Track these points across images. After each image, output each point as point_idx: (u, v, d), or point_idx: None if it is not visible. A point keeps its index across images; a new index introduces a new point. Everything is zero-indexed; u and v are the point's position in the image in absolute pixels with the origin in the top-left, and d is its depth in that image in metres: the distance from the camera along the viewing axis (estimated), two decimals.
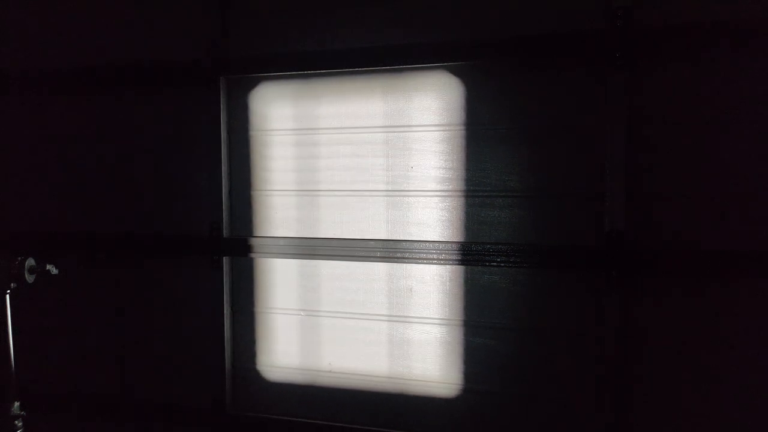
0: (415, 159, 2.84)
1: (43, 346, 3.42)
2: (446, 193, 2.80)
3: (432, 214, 2.83)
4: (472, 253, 2.73)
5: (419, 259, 2.81)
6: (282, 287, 3.08)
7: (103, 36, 3.23)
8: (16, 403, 2.58)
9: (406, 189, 2.86)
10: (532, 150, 2.68)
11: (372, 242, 2.88)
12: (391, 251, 2.84)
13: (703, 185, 2.49)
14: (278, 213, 3.05)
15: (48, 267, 2.59)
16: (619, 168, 2.52)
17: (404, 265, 2.87)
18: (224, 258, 3.08)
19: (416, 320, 2.89)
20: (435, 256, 2.78)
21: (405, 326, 2.91)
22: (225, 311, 3.09)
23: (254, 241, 3.05)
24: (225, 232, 3.07)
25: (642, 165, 2.54)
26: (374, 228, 2.90)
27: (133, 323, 3.30)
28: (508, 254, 2.69)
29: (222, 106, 3.04)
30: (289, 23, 2.98)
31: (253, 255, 3.07)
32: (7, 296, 2.54)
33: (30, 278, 2.53)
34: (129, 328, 3.30)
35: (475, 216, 2.77)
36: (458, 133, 2.77)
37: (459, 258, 2.76)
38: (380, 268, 2.91)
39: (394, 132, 2.86)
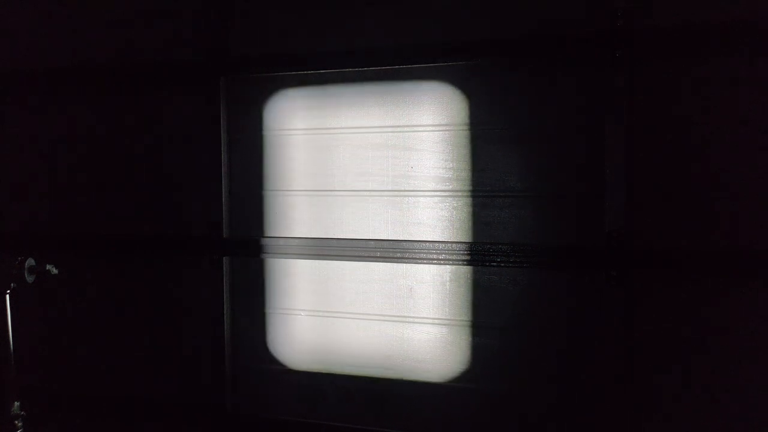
0: (415, 159, 2.84)
1: (43, 346, 3.42)
2: (447, 193, 2.80)
3: (432, 214, 2.83)
4: (472, 253, 2.73)
5: (420, 259, 2.81)
6: (282, 287, 3.08)
7: (103, 35, 3.23)
8: (16, 403, 2.58)
9: (407, 189, 2.85)
10: (532, 150, 2.68)
11: (372, 242, 2.88)
12: (392, 251, 2.84)
13: (703, 185, 2.49)
14: (279, 213, 3.05)
15: (48, 267, 2.59)
16: (619, 168, 2.52)
17: (405, 265, 2.87)
18: (224, 258, 3.08)
19: (417, 320, 2.89)
20: (435, 256, 2.78)
21: (406, 326, 2.91)
22: (225, 311, 3.08)
23: (254, 242, 3.04)
24: (225, 233, 3.07)
25: (642, 165, 2.54)
26: (375, 228, 2.90)
27: (132, 323, 3.30)
28: (507, 254, 2.69)
29: (222, 106, 3.04)
30: (289, 23, 2.98)
31: (253, 255, 3.07)
32: (7, 296, 2.53)
33: (30, 278, 2.53)
34: (129, 328, 3.30)
35: (475, 216, 2.77)
36: (459, 133, 2.77)
37: (459, 258, 2.75)
38: (380, 268, 2.91)
39: (396, 132, 2.86)
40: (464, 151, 2.77)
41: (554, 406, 2.72)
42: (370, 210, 2.91)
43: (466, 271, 2.80)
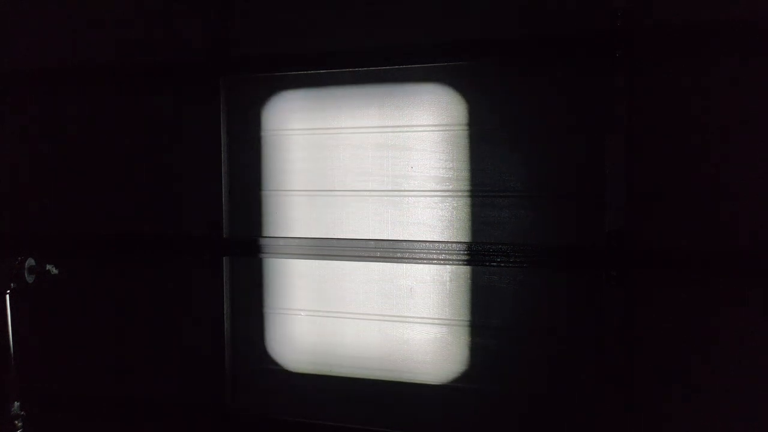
0: (415, 159, 2.84)
1: (43, 346, 3.41)
2: (447, 194, 2.80)
3: (432, 214, 2.83)
4: (472, 253, 2.73)
5: (420, 259, 2.81)
6: (282, 287, 3.08)
7: (103, 35, 3.23)
8: (16, 403, 2.58)
9: (407, 189, 2.85)
10: (532, 150, 2.68)
11: (372, 242, 2.87)
12: (392, 251, 2.84)
13: (703, 185, 2.49)
14: (279, 213, 3.05)
15: (48, 267, 2.59)
16: (619, 168, 2.52)
17: (405, 265, 2.87)
18: (224, 258, 3.08)
19: (417, 320, 2.89)
20: (435, 256, 2.78)
21: (406, 326, 2.91)
22: (225, 311, 3.08)
23: (254, 242, 3.04)
24: (225, 233, 3.07)
25: (642, 165, 2.54)
26: (375, 228, 2.90)
27: (132, 323, 3.29)
28: (508, 254, 2.69)
29: (222, 107, 3.04)
30: (289, 24, 2.98)
31: (253, 255, 3.07)
32: (7, 296, 2.53)
33: (30, 278, 2.53)
34: (129, 328, 3.30)
35: (475, 216, 2.77)
36: (459, 133, 2.77)
37: (459, 258, 2.75)
38: (380, 268, 2.91)
39: (396, 132, 2.86)
40: (464, 151, 2.77)
41: (554, 406, 2.72)
42: (369, 210, 2.91)
43: (466, 271, 2.80)
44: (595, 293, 2.63)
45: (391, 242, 2.85)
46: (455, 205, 2.79)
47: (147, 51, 3.17)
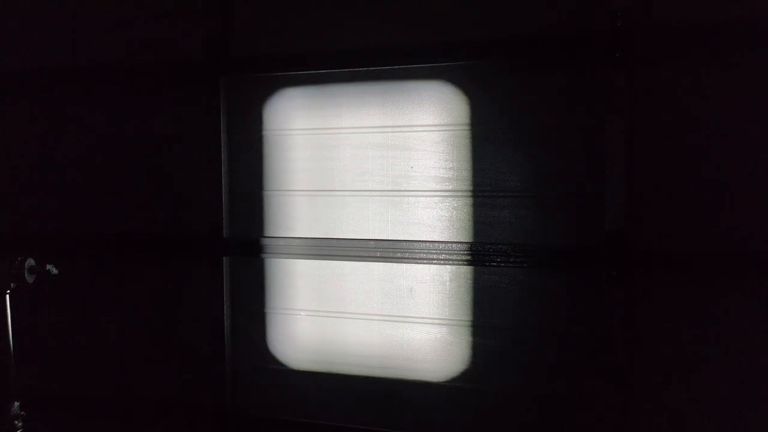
0: (415, 159, 2.84)
1: (43, 346, 3.41)
2: (447, 194, 2.80)
3: (432, 214, 2.83)
4: (472, 253, 2.73)
5: (420, 259, 2.81)
6: (282, 287, 3.08)
7: (103, 35, 3.23)
8: (16, 403, 2.57)
9: (407, 189, 2.85)
10: (532, 150, 2.68)
11: (372, 242, 2.87)
12: (392, 251, 2.84)
13: (703, 185, 2.49)
14: (279, 213, 3.05)
15: (48, 267, 2.59)
16: (619, 168, 2.52)
17: (405, 265, 2.87)
18: (224, 258, 3.08)
19: (417, 320, 2.89)
20: (435, 256, 2.78)
21: (406, 326, 2.91)
22: (225, 311, 3.08)
23: (254, 242, 3.04)
24: (225, 233, 3.07)
25: (642, 165, 2.54)
26: (375, 228, 2.90)
27: (132, 323, 3.29)
28: (508, 254, 2.69)
29: (222, 107, 3.04)
30: (289, 24, 2.98)
31: (253, 255, 3.07)
32: (7, 296, 2.53)
33: (30, 278, 2.52)
34: (129, 328, 3.30)
35: (475, 216, 2.77)
36: (459, 133, 2.77)
37: (459, 258, 2.75)
38: (380, 268, 2.91)
39: (396, 132, 2.86)
40: (464, 151, 2.77)
41: (554, 406, 2.72)
42: (370, 210, 2.91)
43: (466, 271, 2.80)
44: (595, 293, 2.63)
45: (392, 242, 2.85)
46: (455, 205, 2.79)
47: (147, 51, 3.17)
